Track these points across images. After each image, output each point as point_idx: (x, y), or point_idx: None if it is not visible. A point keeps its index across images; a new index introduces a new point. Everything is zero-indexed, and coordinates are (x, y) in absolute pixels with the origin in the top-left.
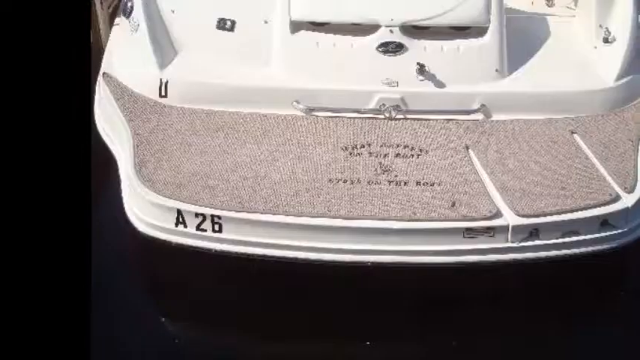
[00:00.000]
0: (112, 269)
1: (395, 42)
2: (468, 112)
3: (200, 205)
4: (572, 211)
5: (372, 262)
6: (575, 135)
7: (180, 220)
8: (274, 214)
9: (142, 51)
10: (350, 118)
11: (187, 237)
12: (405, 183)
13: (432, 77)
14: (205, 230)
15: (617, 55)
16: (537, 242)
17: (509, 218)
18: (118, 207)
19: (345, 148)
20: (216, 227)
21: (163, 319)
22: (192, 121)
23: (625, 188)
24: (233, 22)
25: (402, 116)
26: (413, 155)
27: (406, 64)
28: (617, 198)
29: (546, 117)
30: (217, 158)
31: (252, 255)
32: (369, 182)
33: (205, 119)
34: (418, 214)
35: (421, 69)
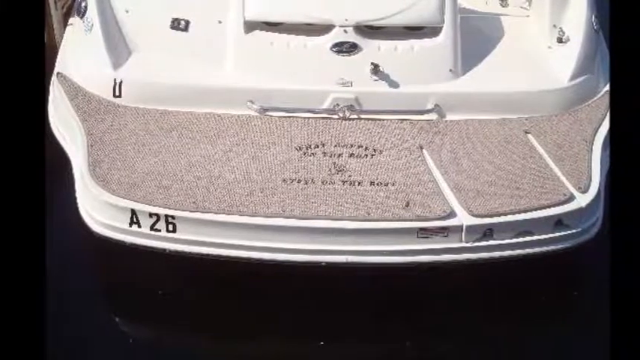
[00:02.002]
0: (66, 269)
1: (349, 42)
2: (422, 112)
3: (154, 205)
4: (526, 211)
5: (326, 262)
6: (529, 135)
7: (134, 220)
8: (228, 214)
9: (95, 51)
10: (304, 118)
11: (141, 237)
12: (359, 183)
13: (386, 77)
14: (159, 230)
15: (571, 55)
16: (491, 242)
17: (463, 218)
18: (72, 207)
19: (299, 148)
20: (171, 227)
21: (118, 319)
22: (146, 121)
23: (579, 188)
24: (187, 22)
25: (356, 116)
26: (367, 155)
27: (360, 64)
28: (571, 198)
29: (500, 117)
30: (171, 158)
31: (207, 255)
32: (323, 182)
33: (159, 119)
34: (372, 214)
35: (375, 69)
